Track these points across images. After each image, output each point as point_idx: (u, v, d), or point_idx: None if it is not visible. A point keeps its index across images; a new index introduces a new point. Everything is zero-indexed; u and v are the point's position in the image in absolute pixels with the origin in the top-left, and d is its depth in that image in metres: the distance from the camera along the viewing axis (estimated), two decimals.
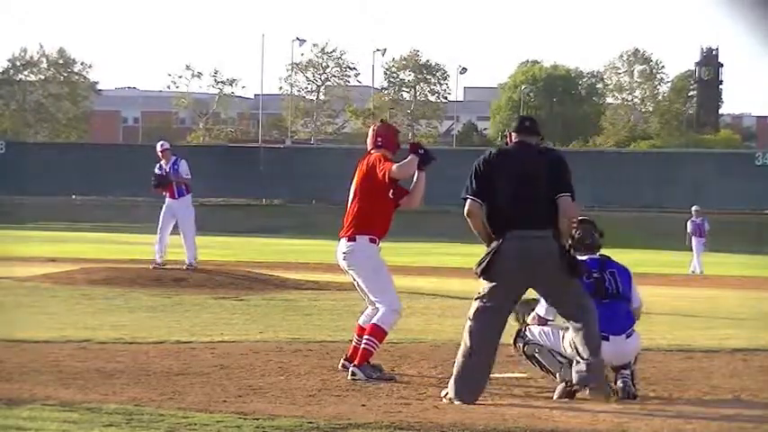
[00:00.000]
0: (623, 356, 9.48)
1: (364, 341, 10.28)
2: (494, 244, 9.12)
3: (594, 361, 9.02)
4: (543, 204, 9.09)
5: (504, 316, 9.28)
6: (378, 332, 10.31)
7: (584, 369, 9.01)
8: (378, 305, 10.42)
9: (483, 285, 9.22)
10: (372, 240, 10.35)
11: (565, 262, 9.06)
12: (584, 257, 9.67)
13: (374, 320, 10.36)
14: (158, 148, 21.49)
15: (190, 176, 21.26)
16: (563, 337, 9.48)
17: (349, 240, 10.35)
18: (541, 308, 9.65)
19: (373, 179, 10.29)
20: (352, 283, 10.79)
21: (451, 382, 9.17)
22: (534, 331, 9.66)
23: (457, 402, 9.00)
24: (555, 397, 9.44)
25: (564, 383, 9.42)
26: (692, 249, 32.69)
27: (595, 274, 9.63)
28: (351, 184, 10.52)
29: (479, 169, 9.23)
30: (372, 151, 10.53)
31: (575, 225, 9.38)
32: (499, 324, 9.22)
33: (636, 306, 9.84)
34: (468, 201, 9.20)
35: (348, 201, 10.51)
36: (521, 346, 9.69)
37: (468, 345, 9.16)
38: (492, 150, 9.47)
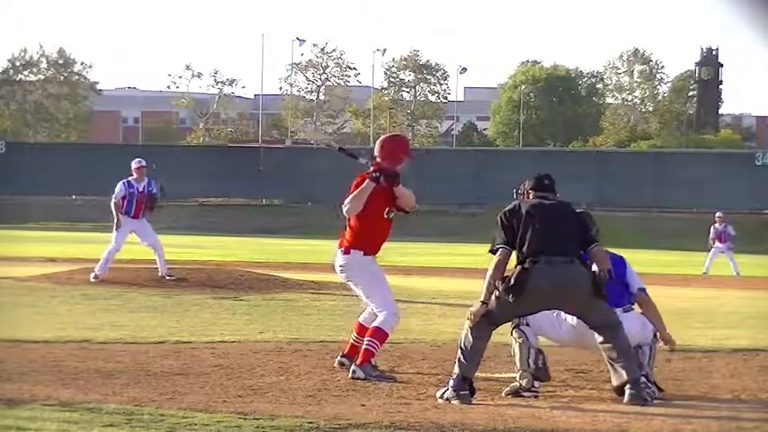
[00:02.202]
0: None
1: (366, 342, 10.30)
2: (518, 268, 9.23)
3: (631, 373, 9.18)
4: (572, 239, 9.31)
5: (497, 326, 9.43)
6: (379, 334, 10.35)
7: (631, 390, 9.12)
8: (378, 312, 10.45)
9: (497, 302, 9.25)
10: (366, 254, 10.46)
11: (593, 284, 9.23)
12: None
13: (375, 323, 10.40)
14: (134, 165, 20.62)
15: (159, 198, 20.79)
16: (563, 327, 9.63)
17: (345, 254, 10.47)
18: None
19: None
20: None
21: (451, 381, 9.19)
22: (535, 317, 9.66)
23: (455, 402, 9.02)
24: (504, 392, 9.55)
25: (519, 384, 9.54)
26: (708, 251, 32.78)
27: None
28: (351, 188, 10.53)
29: (505, 220, 9.36)
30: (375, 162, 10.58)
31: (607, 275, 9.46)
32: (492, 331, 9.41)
33: (635, 289, 9.90)
34: (500, 250, 9.30)
35: None
36: (513, 325, 9.68)
37: (466, 347, 9.27)
38: (514, 203, 9.53)
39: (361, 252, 10.43)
